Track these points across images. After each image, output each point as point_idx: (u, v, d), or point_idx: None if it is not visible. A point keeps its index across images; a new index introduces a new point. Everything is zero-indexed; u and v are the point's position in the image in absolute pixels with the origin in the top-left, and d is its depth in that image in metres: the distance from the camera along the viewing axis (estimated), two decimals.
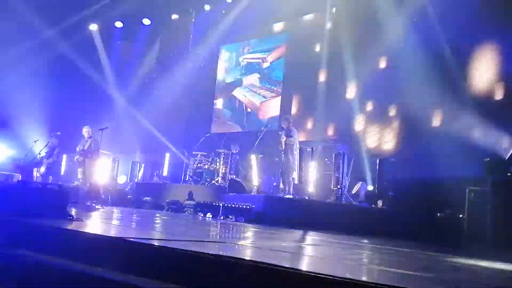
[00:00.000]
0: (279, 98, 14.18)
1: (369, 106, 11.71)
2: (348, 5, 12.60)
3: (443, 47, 10.16)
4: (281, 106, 14.00)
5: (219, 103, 16.08)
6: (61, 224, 4.76)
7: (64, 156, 13.54)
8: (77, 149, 10.25)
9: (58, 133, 11.48)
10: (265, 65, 14.87)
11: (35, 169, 11.85)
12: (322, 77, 13.03)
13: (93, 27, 16.82)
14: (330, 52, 12.86)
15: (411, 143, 10.29)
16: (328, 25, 13.15)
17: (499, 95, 9.49)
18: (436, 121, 10.22)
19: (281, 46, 14.53)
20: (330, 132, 12.50)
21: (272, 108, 14.37)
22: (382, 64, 11.66)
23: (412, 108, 10.64)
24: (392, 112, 11.18)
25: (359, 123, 11.85)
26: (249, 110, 15.06)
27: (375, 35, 11.38)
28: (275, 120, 13.90)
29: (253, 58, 15.29)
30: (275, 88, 14.40)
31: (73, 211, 6.36)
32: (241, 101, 15.31)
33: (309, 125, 12.96)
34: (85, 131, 10.26)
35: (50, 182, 10.83)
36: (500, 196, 7.10)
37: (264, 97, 14.67)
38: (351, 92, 12.18)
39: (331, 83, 12.60)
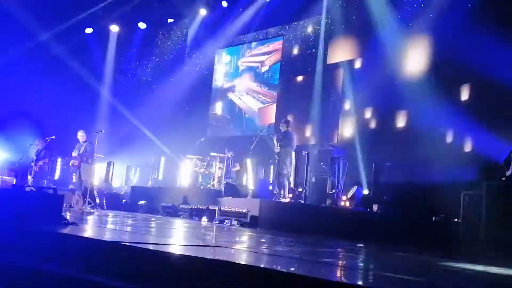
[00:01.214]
0: (275, 104, 14.12)
1: (367, 113, 11.71)
2: (342, 10, 12.68)
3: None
4: (277, 111, 13.95)
5: (218, 108, 16.02)
6: (56, 228, 4.74)
7: (59, 160, 13.47)
8: (73, 154, 10.19)
9: (53, 137, 11.38)
10: (264, 69, 14.83)
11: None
12: (318, 81, 13.06)
13: (89, 30, 16.78)
14: (324, 55, 12.95)
15: (406, 147, 10.31)
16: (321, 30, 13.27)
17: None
18: (432, 126, 10.24)
19: (279, 50, 14.50)
20: (325, 136, 12.49)
21: (269, 114, 14.27)
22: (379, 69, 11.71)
23: (409, 113, 10.68)
24: (389, 117, 11.19)
25: (354, 128, 11.86)
26: (247, 115, 15.02)
27: (364, 37, 11.52)
28: (272, 125, 13.85)
29: (251, 62, 15.26)
30: (273, 93, 14.35)
31: (68, 215, 6.33)
32: (240, 107, 15.25)
33: (305, 129, 12.95)
34: (80, 135, 10.22)
35: (44, 186, 10.76)
36: (494, 200, 7.12)
37: (263, 102, 14.61)
38: (346, 98, 12.22)
39: (327, 88, 12.64)
